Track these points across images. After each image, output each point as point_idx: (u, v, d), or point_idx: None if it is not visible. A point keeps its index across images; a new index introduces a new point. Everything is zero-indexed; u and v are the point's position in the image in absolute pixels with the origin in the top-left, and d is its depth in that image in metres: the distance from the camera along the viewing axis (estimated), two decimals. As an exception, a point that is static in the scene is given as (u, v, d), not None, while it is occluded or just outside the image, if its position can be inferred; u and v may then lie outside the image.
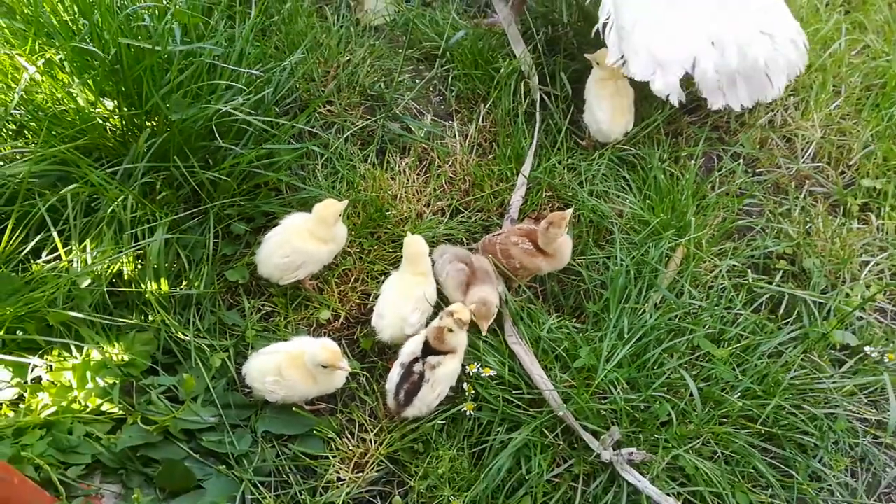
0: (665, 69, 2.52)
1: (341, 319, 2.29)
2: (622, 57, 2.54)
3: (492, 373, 2.02)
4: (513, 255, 2.25)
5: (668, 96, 2.52)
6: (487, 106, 2.89)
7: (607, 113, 2.65)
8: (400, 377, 1.95)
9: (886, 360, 2.22)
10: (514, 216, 2.52)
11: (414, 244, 2.18)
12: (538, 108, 2.81)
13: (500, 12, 3.18)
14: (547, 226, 2.20)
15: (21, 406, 1.90)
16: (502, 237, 2.31)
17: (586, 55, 2.72)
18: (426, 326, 2.08)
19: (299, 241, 2.16)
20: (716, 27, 2.56)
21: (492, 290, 2.15)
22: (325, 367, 1.91)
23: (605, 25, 2.59)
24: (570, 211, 2.24)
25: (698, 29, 2.56)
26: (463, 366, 2.04)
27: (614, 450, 1.92)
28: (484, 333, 2.11)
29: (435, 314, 2.12)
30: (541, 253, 2.25)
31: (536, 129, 2.74)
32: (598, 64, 2.68)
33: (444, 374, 1.96)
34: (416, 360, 1.97)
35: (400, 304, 2.12)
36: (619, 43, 2.56)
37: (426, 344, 2.00)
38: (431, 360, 1.96)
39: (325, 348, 1.91)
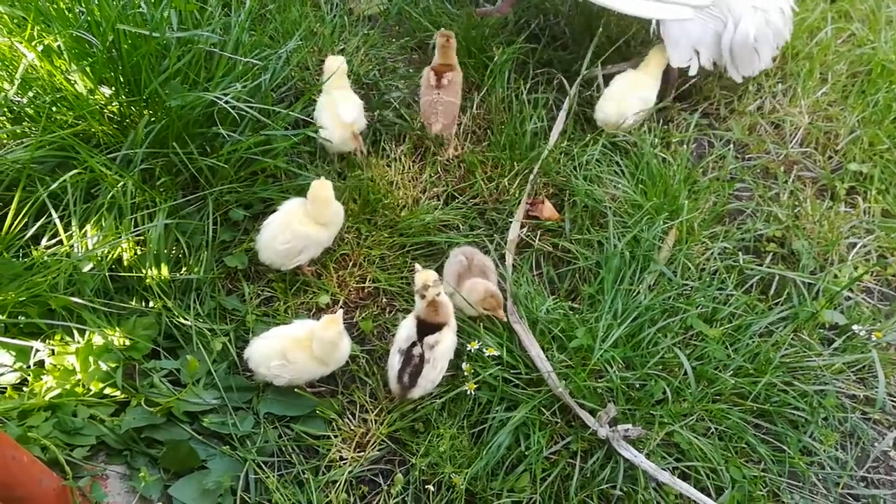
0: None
1: (340, 303, 2.31)
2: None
3: (495, 353, 2.06)
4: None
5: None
6: (481, 94, 2.92)
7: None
8: (401, 363, 1.98)
9: (874, 338, 2.27)
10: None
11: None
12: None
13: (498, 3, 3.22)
14: (445, 41, 2.66)
15: (25, 389, 1.91)
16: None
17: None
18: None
19: (299, 226, 2.18)
20: None
21: (485, 282, 2.18)
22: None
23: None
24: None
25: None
26: (463, 344, 2.07)
27: (610, 426, 1.96)
28: (504, 320, 2.15)
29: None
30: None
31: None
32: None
33: (442, 350, 1.99)
34: (413, 343, 2.00)
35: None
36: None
37: (419, 325, 2.03)
38: (429, 339, 1.99)
39: (327, 325, 1.94)
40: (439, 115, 2.64)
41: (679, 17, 2.70)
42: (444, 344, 2.00)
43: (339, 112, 2.51)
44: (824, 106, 3.01)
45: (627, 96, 2.73)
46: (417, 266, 2.09)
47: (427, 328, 2.01)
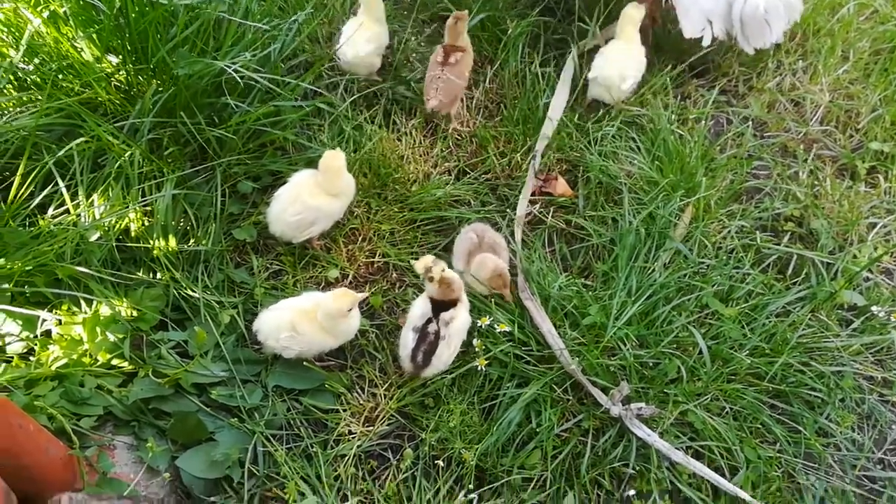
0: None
1: (350, 278, 2.28)
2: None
3: (507, 329, 2.02)
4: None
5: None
6: (494, 68, 2.86)
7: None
8: (416, 341, 1.95)
9: (893, 320, 2.23)
10: (536, 164, 2.53)
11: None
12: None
13: None
14: (455, 22, 2.61)
15: (32, 359, 1.89)
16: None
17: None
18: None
19: (309, 198, 2.15)
20: None
21: (495, 258, 2.14)
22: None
23: None
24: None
25: None
26: (475, 320, 2.04)
27: (623, 405, 1.93)
28: (509, 300, 2.12)
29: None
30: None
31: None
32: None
33: (457, 327, 1.96)
34: (428, 321, 1.97)
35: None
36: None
37: (433, 304, 2.00)
38: (444, 316, 1.96)
39: (338, 297, 1.92)
40: (438, 92, 2.57)
41: None
42: (459, 320, 1.97)
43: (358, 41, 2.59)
44: (845, 84, 2.94)
45: (613, 69, 2.65)
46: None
47: (440, 307, 1.98)
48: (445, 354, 1.96)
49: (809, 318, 2.20)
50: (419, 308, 2.01)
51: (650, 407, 1.94)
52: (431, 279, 1.97)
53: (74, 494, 1.61)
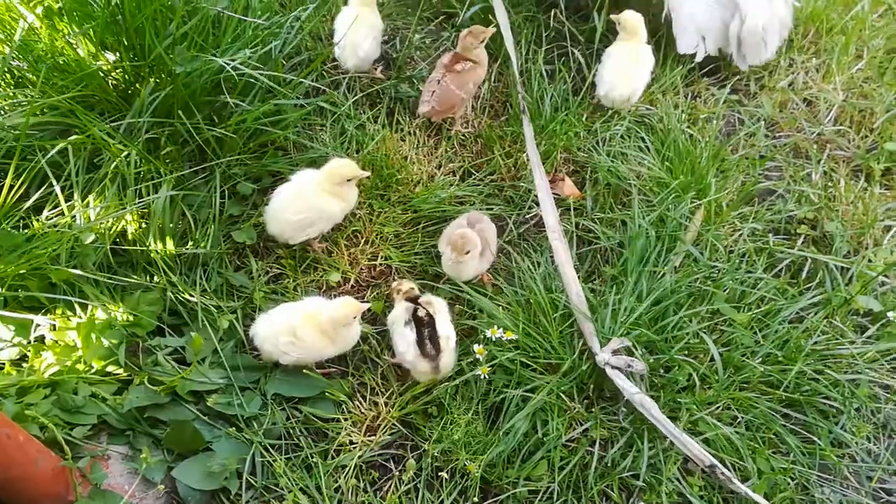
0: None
1: (351, 282, 2.23)
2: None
3: (513, 336, 1.96)
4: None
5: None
6: (498, 65, 2.80)
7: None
8: (415, 331, 1.90)
9: (910, 326, 2.17)
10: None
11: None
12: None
13: None
14: (466, 34, 2.51)
15: (24, 365, 1.84)
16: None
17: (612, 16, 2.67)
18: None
19: (314, 197, 2.09)
20: None
21: (473, 232, 2.09)
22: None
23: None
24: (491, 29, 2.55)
25: None
26: (482, 331, 1.99)
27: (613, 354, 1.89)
28: (455, 260, 2.06)
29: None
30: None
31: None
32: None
33: (437, 302, 1.97)
34: (414, 310, 1.94)
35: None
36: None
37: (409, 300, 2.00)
38: (422, 300, 1.97)
39: (346, 304, 1.88)
40: (432, 98, 2.49)
41: None
42: (434, 298, 1.98)
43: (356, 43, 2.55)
44: (859, 83, 2.87)
45: (623, 87, 2.59)
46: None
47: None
48: (446, 329, 1.92)
49: (824, 325, 2.13)
50: (398, 309, 1.99)
51: (639, 362, 1.87)
52: (399, 291, 2.03)
53: (66, 507, 1.56)
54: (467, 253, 2.04)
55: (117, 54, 2.16)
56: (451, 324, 1.96)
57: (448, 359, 1.91)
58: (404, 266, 2.25)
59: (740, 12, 2.72)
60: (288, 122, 2.34)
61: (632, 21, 2.61)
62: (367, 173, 2.16)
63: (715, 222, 2.32)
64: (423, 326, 1.89)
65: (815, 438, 1.95)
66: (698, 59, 2.76)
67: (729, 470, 1.82)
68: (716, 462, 1.78)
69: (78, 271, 1.92)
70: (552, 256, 2.13)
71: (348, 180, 2.13)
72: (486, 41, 2.55)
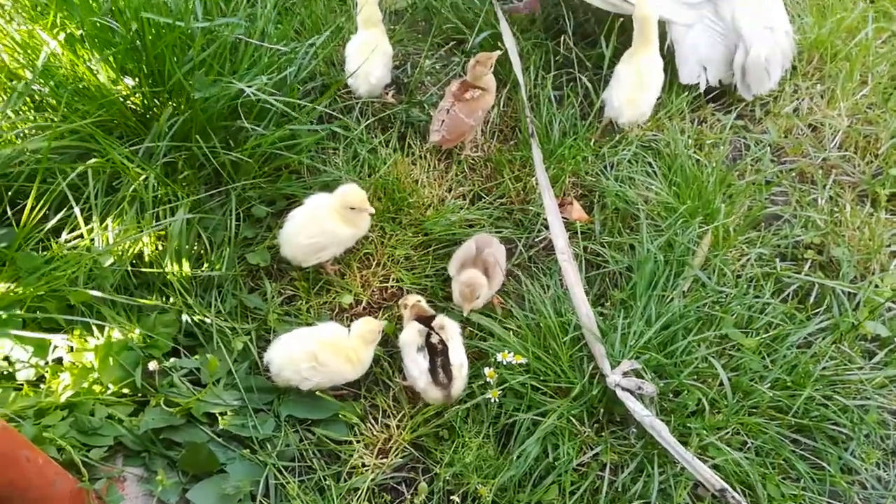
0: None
1: (363, 304, 2.25)
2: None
3: (522, 360, 1.98)
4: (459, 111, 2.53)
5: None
6: (507, 90, 2.85)
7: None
8: (428, 359, 1.92)
9: (917, 352, 2.18)
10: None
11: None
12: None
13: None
14: (474, 64, 2.54)
15: (42, 387, 1.86)
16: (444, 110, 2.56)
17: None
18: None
19: (328, 222, 2.12)
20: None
21: (479, 274, 2.11)
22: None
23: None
24: (496, 52, 2.61)
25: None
26: (492, 353, 2.01)
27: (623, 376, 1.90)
28: (466, 314, 2.10)
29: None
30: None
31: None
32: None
33: (450, 326, 1.98)
34: (427, 335, 1.96)
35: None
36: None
37: (420, 320, 2.02)
38: (435, 324, 1.98)
39: (369, 321, 1.95)
40: (442, 127, 2.53)
41: (678, 18, 2.74)
42: (448, 321, 1.99)
43: (368, 70, 2.60)
44: (864, 108, 2.91)
45: (633, 111, 2.63)
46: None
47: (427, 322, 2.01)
48: (459, 357, 1.93)
49: (832, 350, 2.15)
50: (410, 331, 2.00)
51: (650, 385, 1.88)
52: (405, 306, 2.06)
53: (83, 529, 1.57)
54: (478, 298, 2.09)
55: (137, 80, 2.20)
56: (463, 348, 1.98)
57: (460, 384, 1.93)
58: (415, 288, 2.28)
59: (744, 43, 2.77)
60: (302, 147, 2.38)
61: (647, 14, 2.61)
62: (372, 210, 2.18)
63: (722, 247, 2.35)
64: (437, 355, 1.91)
65: (825, 464, 1.96)
66: (701, 89, 2.82)
67: (739, 494, 1.82)
68: (726, 486, 1.79)
69: (96, 293, 1.95)
70: (562, 279, 2.16)
71: (352, 209, 2.15)
72: (493, 66, 2.59)
